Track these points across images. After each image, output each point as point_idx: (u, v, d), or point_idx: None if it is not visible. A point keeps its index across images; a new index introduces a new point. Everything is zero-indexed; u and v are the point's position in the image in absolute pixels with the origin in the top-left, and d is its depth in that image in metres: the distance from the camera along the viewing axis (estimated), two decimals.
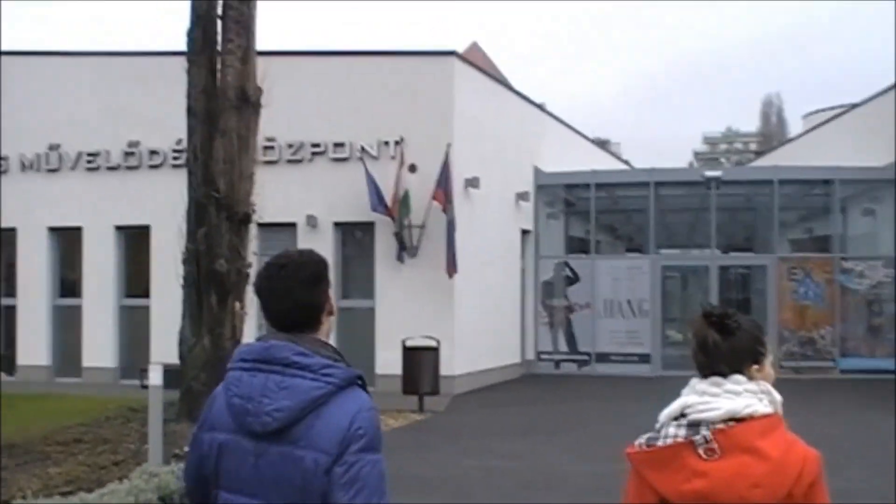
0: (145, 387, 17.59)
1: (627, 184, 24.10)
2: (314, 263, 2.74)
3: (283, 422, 2.54)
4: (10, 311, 20.46)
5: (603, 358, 21.91)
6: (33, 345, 20.06)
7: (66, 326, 20.10)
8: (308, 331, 2.69)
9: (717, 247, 22.80)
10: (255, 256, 13.83)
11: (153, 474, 7.94)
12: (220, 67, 12.31)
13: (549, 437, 13.42)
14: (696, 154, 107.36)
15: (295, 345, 2.63)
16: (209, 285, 12.15)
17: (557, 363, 22.17)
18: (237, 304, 12.30)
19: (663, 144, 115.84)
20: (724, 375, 2.68)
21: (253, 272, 17.62)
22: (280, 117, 18.06)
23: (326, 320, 2.74)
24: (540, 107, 24.81)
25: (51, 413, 13.66)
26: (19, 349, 20.26)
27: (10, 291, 20.49)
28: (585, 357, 22.03)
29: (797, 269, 21.75)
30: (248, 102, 12.23)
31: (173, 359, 12.80)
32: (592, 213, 22.61)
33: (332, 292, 2.89)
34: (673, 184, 23.44)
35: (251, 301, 13.04)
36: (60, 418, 12.93)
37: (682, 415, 2.66)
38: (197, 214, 12.34)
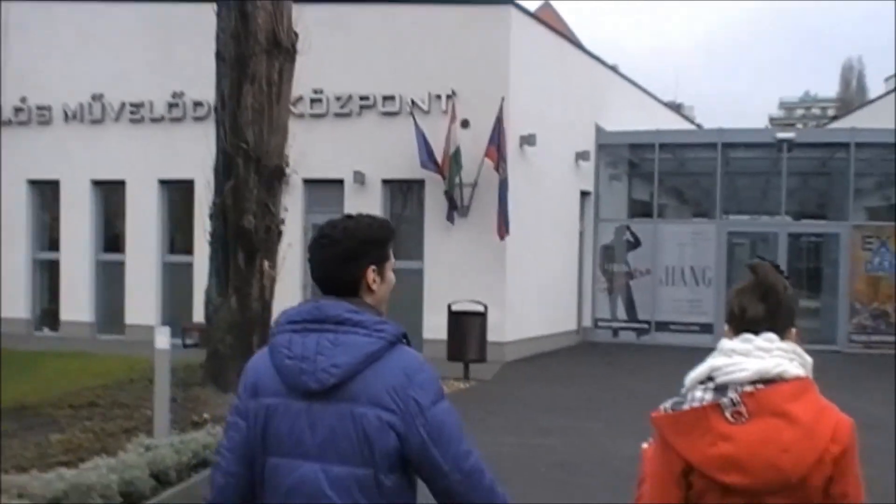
0: (187, 346, 17.27)
1: (694, 144, 22.86)
2: (353, 240, 2.71)
3: (340, 377, 2.54)
4: (54, 266, 20.11)
5: (663, 327, 20.89)
6: (76, 300, 19.69)
7: (109, 282, 19.67)
8: (350, 296, 2.70)
9: (788, 213, 21.51)
10: (286, 213, 13.12)
11: (149, 447, 7.25)
12: (250, 9, 11.47)
13: (598, 411, 12.55)
14: (772, 119, 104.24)
15: (346, 303, 2.65)
16: (236, 243, 11.43)
17: (615, 331, 21.20)
18: (266, 264, 11.56)
19: (738, 109, 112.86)
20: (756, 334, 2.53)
21: (293, 230, 17.03)
22: (328, 69, 17.37)
23: (368, 294, 2.72)
24: (609, 66, 23.68)
25: (76, 373, 13.13)
26: (62, 304, 19.90)
27: (54, 245, 20.12)
28: (645, 325, 21.03)
29: (872, 238, 20.39)
30: (281, 47, 11.41)
31: None
32: (656, 175, 21.45)
33: (387, 266, 2.79)
34: (742, 145, 22.11)
35: (282, 261, 12.34)
36: (84, 379, 12.37)
37: (710, 378, 2.53)
38: (225, 167, 11.62)
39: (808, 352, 2.61)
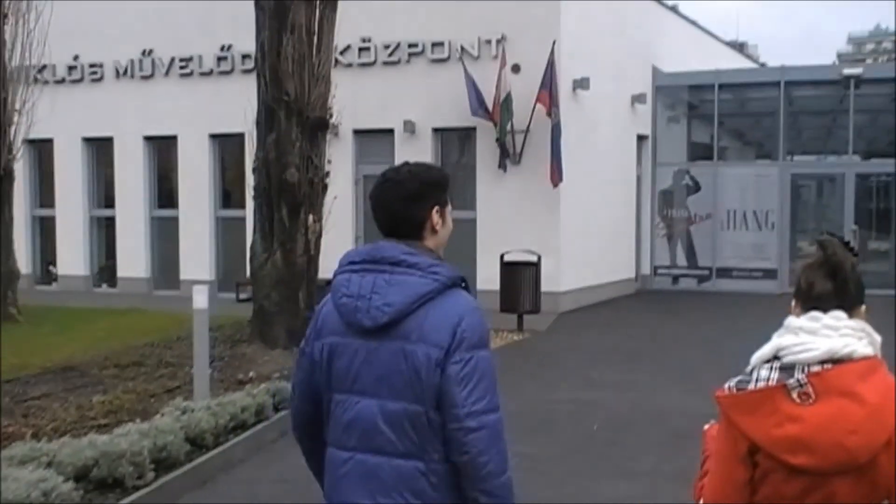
0: (241, 300, 17.24)
1: (755, 84, 22.03)
2: (417, 181, 2.79)
3: (392, 315, 2.63)
4: (110, 223, 20.19)
5: (725, 273, 20.33)
6: (132, 256, 19.76)
7: (164, 238, 19.69)
8: (413, 239, 2.77)
9: (855, 153, 20.69)
10: (333, 165, 12.90)
11: (185, 411, 7.11)
12: None
13: (657, 363, 12.19)
14: (840, 56, 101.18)
15: (403, 245, 2.73)
16: (280, 197, 11.24)
17: (675, 278, 20.71)
18: (311, 217, 11.35)
19: (805, 47, 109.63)
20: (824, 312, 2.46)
21: (343, 182, 16.81)
22: (375, 16, 17.01)
23: (431, 236, 2.80)
24: (668, 6, 22.93)
25: (126, 330, 13.12)
26: (119, 261, 19.99)
27: (109, 202, 20.18)
28: (706, 272, 20.49)
29: None
30: None
31: None
32: (716, 116, 20.75)
33: (447, 210, 2.88)
34: (806, 83, 21.27)
35: (328, 214, 12.13)
36: (134, 336, 12.34)
37: (776, 357, 2.47)
38: (266, 120, 11.41)
39: (878, 297, 2.50)
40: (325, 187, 11.74)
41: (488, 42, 16.71)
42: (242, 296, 17.41)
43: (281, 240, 11.27)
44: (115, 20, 19.23)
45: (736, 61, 28.07)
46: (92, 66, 19.87)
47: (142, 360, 10.43)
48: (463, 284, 2.77)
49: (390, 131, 17.54)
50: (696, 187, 20.70)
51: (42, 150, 20.41)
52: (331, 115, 11.72)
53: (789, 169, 20.58)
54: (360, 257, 2.76)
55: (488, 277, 15.64)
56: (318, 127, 11.39)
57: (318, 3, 11.16)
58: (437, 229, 2.81)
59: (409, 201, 2.78)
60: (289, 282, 11.25)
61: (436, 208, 2.81)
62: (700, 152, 21.77)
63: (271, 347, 10.97)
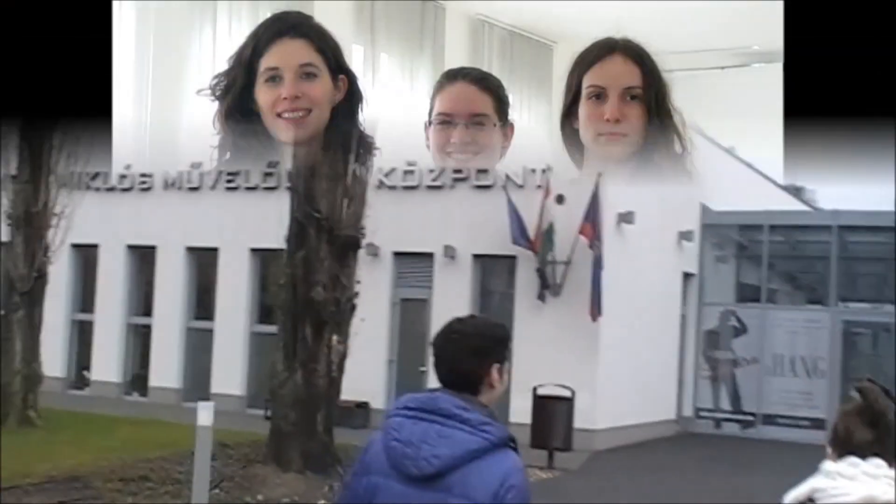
0: (268, 418, 16.89)
1: (808, 227, 21.71)
2: (482, 338, 2.86)
3: (439, 468, 2.66)
4: (146, 331, 20.12)
5: (770, 420, 19.58)
6: (165, 366, 19.60)
7: (198, 350, 19.53)
8: (469, 392, 2.81)
9: None
10: (369, 286, 12.67)
11: None
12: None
13: None
14: None
15: (458, 399, 2.77)
16: (305, 315, 10.99)
17: (718, 422, 19.97)
18: (335, 338, 11.07)
19: (864, 194, 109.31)
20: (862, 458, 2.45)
21: (381, 304, 16.63)
22: (421, 140, 17.02)
23: (488, 391, 2.84)
24: (724, 147, 22.81)
25: (142, 442, 12.80)
26: (152, 370, 19.84)
27: (147, 310, 20.15)
28: (751, 417, 19.76)
29: None
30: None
31: None
32: (765, 258, 20.38)
33: (505, 367, 2.91)
34: (861, 228, 20.88)
35: (356, 334, 11.85)
36: (149, 449, 12.01)
37: (810, 499, 2.45)
38: (297, 236, 11.25)
39: None
40: (352, 308, 11.49)
41: (533, 171, 16.61)
42: (269, 413, 17.09)
43: (303, 359, 10.99)
44: (167, 134, 19.55)
45: (791, 205, 27.69)
46: (142, 175, 20.11)
47: (149, 475, 10.10)
48: (512, 444, 2.78)
49: (430, 255, 17.39)
50: (742, 329, 20.16)
51: (87, 255, 20.54)
52: (363, 235, 11.54)
53: (841, 315, 19.98)
54: (415, 404, 2.80)
55: (520, 410, 15.14)
56: (349, 246, 11.22)
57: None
58: (494, 385, 2.85)
59: (472, 356, 2.83)
60: (307, 402, 10.93)
61: (496, 365, 2.85)
62: (748, 294, 21.26)
63: (285, 470, 10.58)
